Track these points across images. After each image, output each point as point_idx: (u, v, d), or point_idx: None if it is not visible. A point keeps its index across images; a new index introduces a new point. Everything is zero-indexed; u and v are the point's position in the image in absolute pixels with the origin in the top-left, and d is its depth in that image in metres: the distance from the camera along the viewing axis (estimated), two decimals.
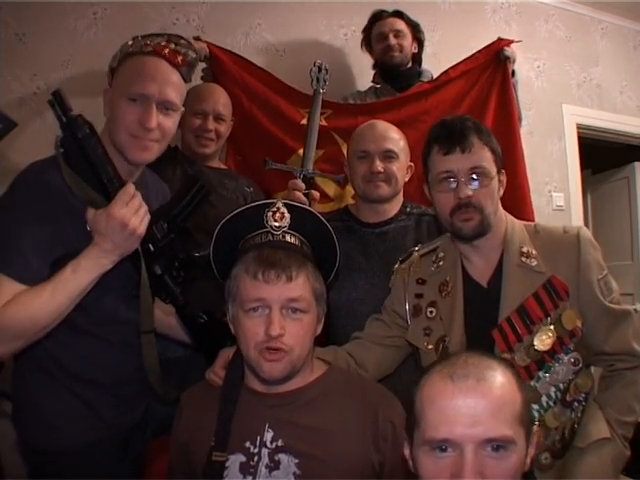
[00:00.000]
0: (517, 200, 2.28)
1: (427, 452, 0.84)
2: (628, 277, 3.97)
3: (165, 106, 1.26)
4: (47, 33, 2.27)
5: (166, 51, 1.27)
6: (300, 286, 1.15)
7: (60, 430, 1.26)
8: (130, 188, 1.21)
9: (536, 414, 1.27)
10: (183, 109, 1.34)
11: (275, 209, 1.23)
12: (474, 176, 1.29)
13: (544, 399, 1.28)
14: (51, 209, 1.18)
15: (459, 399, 0.82)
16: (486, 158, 1.31)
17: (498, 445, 0.81)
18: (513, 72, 2.39)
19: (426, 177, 1.39)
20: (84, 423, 1.28)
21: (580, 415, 1.32)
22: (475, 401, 0.82)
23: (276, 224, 1.22)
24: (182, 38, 1.32)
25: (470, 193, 1.28)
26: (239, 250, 1.24)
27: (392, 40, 2.37)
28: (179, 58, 1.28)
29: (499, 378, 0.85)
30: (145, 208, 1.23)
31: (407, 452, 0.91)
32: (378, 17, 2.43)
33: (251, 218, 1.24)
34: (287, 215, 1.23)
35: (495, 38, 2.45)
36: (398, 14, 2.41)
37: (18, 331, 1.15)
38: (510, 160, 2.13)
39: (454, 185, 1.30)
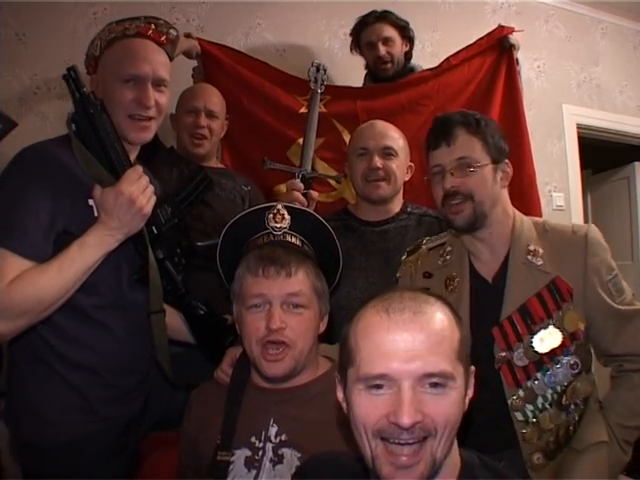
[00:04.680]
0: (524, 188, 2.24)
1: (362, 391, 0.79)
2: (628, 277, 3.92)
3: (158, 83, 1.31)
4: (47, 33, 2.28)
5: (150, 32, 1.33)
6: (300, 281, 1.18)
7: (53, 423, 1.25)
8: (139, 168, 1.25)
9: (530, 414, 1.27)
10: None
11: (275, 211, 1.27)
12: (459, 167, 1.30)
13: (540, 400, 1.27)
14: (50, 185, 1.19)
15: (395, 333, 0.77)
16: (475, 149, 1.31)
17: (437, 382, 0.77)
18: (517, 60, 2.36)
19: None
20: (78, 415, 1.27)
21: (577, 418, 1.31)
22: (412, 335, 0.77)
23: (277, 225, 1.26)
24: (159, 18, 1.37)
25: (455, 183, 1.30)
26: (243, 253, 1.27)
27: (382, 50, 2.33)
28: (163, 37, 1.35)
29: (437, 312, 0.81)
30: (152, 188, 1.26)
31: (340, 395, 0.86)
32: (365, 22, 2.39)
33: (253, 221, 1.28)
34: (287, 217, 1.27)
35: None
36: (385, 17, 2.36)
37: (24, 308, 1.15)
38: (516, 150, 2.10)
39: (442, 177, 1.32)
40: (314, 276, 1.22)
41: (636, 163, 4.29)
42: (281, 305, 1.16)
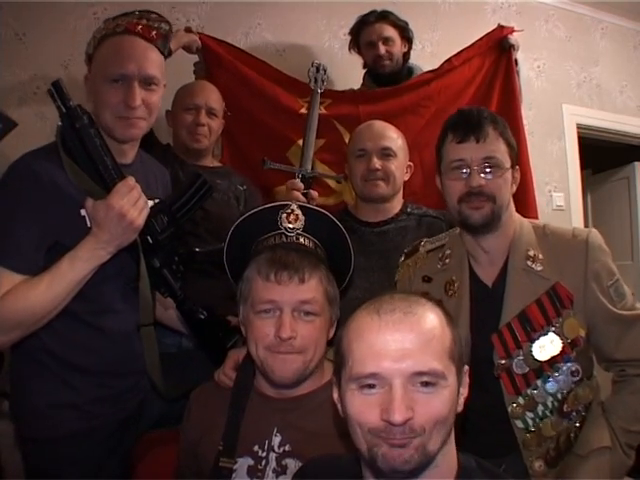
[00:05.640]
0: (519, 192, 2.24)
1: (354, 391, 0.80)
2: (628, 277, 3.96)
3: (147, 81, 1.27)
4: (47, 33, 2.27)
5: (139, 28, 1.28)
6: (313, 288, 1.14)
7: (48, 418, 1.26)
8: (130, 180, 1.23)
9: (530, 422, 1.26)
10: (165, 83, 1.35)
11: (289, 211, 1.22)
12: (487, 166, 1.27)
13: (540, 408, 1.26)
14: (40, 199, 1.19)
15: (386, 333, 0.79)
16: (500, 150, 1.29)
17: (428, 381, 0.78)
18: (516, 61, 2.37)
19: (438, 166, 1.37)
20: (72, 412, 1.28)
21: (578, 424, 1.29)
22: (402, 334, 0.79)
23: (290, 226, 1.21)
24: (153, 12, 1.33)
25: (482, 182, 1.26)
26: (252, 251, 1.23)
27: (381, 49, 2.34)
28: (153, 33, 1.30)
29: (427, 312, 0.83)
30: (144, 200, 1.24)
31: (336, 395, 0.87)
32: (365, 22, 2.39)
33: (265, 219, 1.23)
34: (301, 217, 1.22)
35: None
36: (385, 17, 2.36)
37: (16, 322, 1.16)
38: None
39: (466, 174, 1.28)
40: (327, 282, 1.18)
41: (636, 163, 4.29)
42: (292, 312, 1.12)
